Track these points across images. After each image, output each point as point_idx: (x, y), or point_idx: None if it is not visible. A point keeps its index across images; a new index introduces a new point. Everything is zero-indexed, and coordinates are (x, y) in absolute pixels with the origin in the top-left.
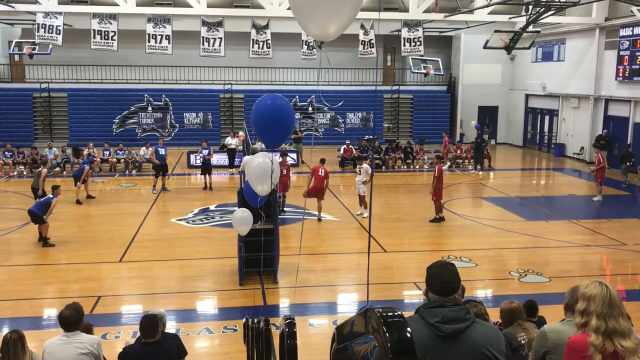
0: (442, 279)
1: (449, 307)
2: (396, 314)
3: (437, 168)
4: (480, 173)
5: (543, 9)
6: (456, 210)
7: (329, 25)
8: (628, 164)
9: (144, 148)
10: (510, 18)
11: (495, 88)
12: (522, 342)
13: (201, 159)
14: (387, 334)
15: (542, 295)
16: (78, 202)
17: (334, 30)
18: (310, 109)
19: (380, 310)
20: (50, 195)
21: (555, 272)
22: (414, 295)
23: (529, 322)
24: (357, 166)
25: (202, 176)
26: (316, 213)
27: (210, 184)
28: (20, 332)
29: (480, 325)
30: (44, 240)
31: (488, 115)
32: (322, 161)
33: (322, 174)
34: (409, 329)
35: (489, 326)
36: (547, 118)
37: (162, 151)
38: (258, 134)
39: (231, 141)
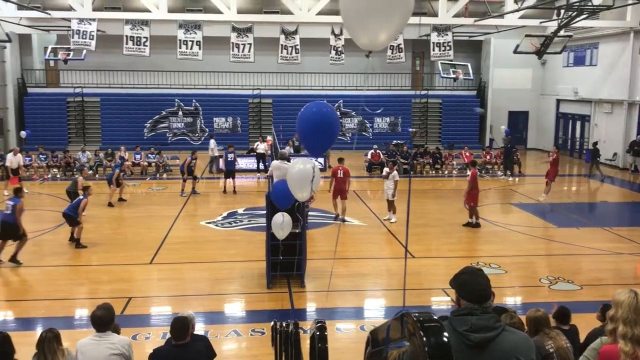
0: (476, 286)
1: (478, 315)
2: (433, 318)
3: (471, 173)
4: (510, 179)
5: (575, 13)
6: (485, 217)
7: (379, 35)
8: None
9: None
10: (541, 22)
11: (525, 93)
12: (550, 350)
13: (224, 164)
14: (424, 339)
15: (573, 303)
16: (110, 204)
17: (383, 40)
18: (338, 113)
19: (417, 314)
20: (81, 196)
21: (587, 280)
22: (442, 302)
23: (555, 330)
24: (386, 170)
25: (225, 180)
26: (336, 213)
27: (234, 187)
28: (55, 331)
29: (510, 333)
30: (76, 242)
31: (518, 122)
32: (340, 161)
33: (342, 175)
34: (446, 334)
35: (519, 334)
36: (578, 123)
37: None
38: (303, 142)
39: (260, 146)
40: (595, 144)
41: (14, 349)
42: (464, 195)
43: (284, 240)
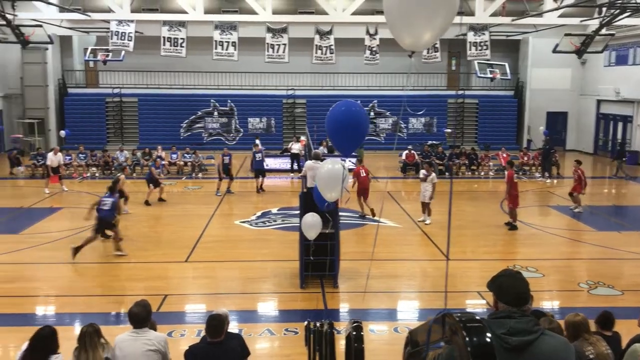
0: (515, 289)
1: (516, 319)
2: (476, 318)
3: (507, 174)
4: (548, 181)
5: (618, 11)
6: (522, 219)
7: (422, 36)
8: None
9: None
10: (581, 21)
11: (564, 93)
12: (591, 356)
13: (253, 163)
14: (467, 338)
15: (614, 308)
16: (147, 203)
17: (427, 40)
18: (372, 113)
19: (460, 314)
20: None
21: (628, 285)
22: (477, 305)
23: (596, 336)
24: (423, 172)
25: (256, 180)
26: (362, 212)
27: (261, 185)
28: (95, 326)
29: (550, 337)
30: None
31: (557, 123)
32: (360, 161)
33: (364, 175)
34: (489, 334)
35: (559, 338)
36: (620, 125)
37: (226, 159)
38: (332, 141)
39: (295, 146)
40: (622, 144)
41: (59, 344)
42: (506, 198)
43: (316, 240)
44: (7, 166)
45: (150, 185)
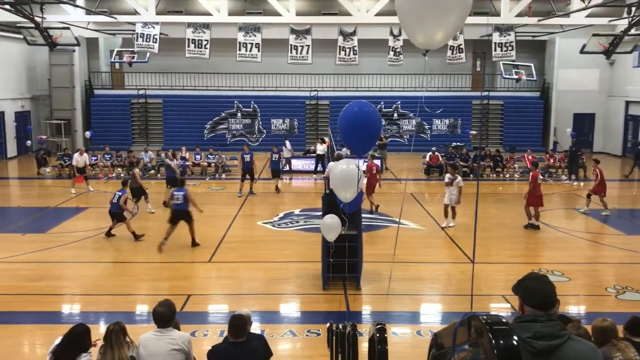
0: (542, 293)
1: (542, 322)
2: (502, 321)
3: (531, 175)
4: (575, 183)
5: None
6: (549, 222)
7: (435, 34)
8: None
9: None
10: (610, 21)
11: (592, 94)
12: None
13: (269, 164)
14: (493, 341)
15: None
16: (165, 204)
17: (439, 39)
18: (395, 114)
19: (486, 317)
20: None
21: None
22: (502, 309)
23: (624, 342)
24: (448, 176)
25: (274, 180)
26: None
27: (277, 186)
28: (121, 324)
29: (576, 342)
30: (134, 236)
31: (584, 124)
32: (372, 157)
33: (375, 172)
34: (515, 337)
35: (586, 343)
36: None
37: (247, 157)
38: (345, 141)
39: (319, 147)
40: (639, 144)
41: (91, 343)
42: (525, 197)
43: (337, 242)
44: (35, 166)
45: (168, 185)
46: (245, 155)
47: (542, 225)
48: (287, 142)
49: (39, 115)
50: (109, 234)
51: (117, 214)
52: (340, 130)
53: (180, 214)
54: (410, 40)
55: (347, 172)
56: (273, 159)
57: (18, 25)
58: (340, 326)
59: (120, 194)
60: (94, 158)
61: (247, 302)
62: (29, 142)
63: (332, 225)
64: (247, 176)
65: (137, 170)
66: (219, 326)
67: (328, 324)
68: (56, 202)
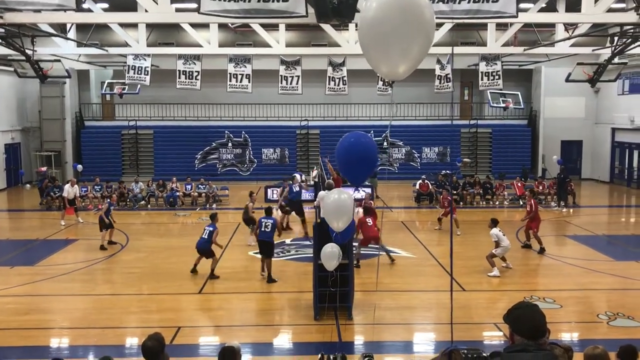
0: (533, 322)
1: (532, 352)
2: (482, 355)
3: (533, 203)
4: (564, 210)
5: (630, 40)
6: (538, 248)
7: (399, 66)
8: None
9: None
10: (593, 50)
11: (578, 122)
12: None
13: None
14: None
15: (634, 341)
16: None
17: (403, 70)
18: (385, 143)
19: (466, 351)
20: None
21: None
22: (494, 337)
23: None
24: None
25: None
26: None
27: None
28: (110, 358)
29: None
30: (211, 274)
31: (572, 152)
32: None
33: (371, 224)
34: None
35: None
36: (635, 153)
37: (295, 187)
38: (342, 171)
39: (312, 174)
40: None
41: None
42: (528, 224)
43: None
44: (34, 198)
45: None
46: (293, 186)
47: (532, 253)
48: (297, 176)
49: (29, 147)
50: (210, 275)
51: (206, 250)
52: (338, 162)
53: (268, 245)
54: (375, 71)
55: (339, 202)
56: (294, 189)
57: (9, 57)
58: (332, 357)
59: (211, 229)
60: (84, 189)
61: (238, 333)
62: (22, 171)
63: (333, 254)
64: (288, 208)
65: (250, 204)
66: (209, 359)
67: (319, 355)
68: (45, 234)
